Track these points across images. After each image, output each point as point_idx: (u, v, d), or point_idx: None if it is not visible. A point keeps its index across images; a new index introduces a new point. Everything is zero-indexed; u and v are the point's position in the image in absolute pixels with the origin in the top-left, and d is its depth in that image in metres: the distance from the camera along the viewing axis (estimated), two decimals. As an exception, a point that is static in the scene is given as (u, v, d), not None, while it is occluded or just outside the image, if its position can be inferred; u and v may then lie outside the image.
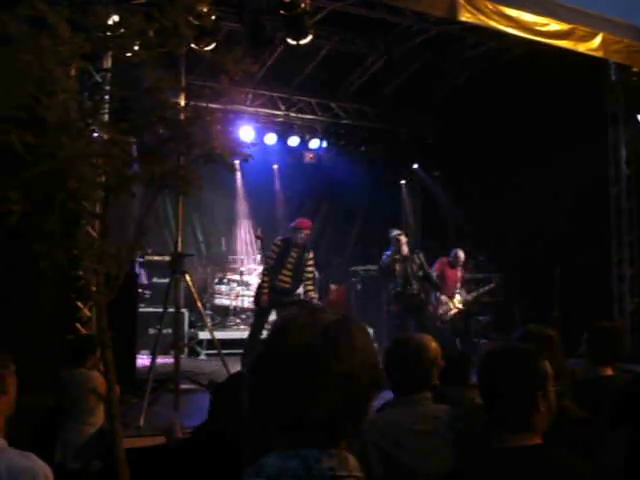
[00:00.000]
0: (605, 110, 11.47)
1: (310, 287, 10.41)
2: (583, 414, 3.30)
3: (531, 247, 12.40)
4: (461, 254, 12.10)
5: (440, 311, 12.06)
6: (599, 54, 10.30)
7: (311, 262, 10.35)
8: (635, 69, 10.94)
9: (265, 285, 10.07)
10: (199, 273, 14.10)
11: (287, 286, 10.20)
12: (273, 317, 10.42)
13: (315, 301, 10.40)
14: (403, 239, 11.06)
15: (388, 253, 11.15)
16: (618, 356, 4.48)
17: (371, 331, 13.18)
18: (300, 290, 10.52)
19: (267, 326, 10.17)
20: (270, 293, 9.99)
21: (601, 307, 11.04)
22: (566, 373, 3.40)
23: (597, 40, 10.23)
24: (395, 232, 11.28)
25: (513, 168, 12.62)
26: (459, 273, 12.23)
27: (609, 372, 4.33)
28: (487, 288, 12.25)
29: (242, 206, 15.36)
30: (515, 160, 12.45)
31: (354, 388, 1.57)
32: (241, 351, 10.48)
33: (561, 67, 10.48)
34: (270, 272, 10.15)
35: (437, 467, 3.12)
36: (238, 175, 14.85)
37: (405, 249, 11.02)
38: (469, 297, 12.15)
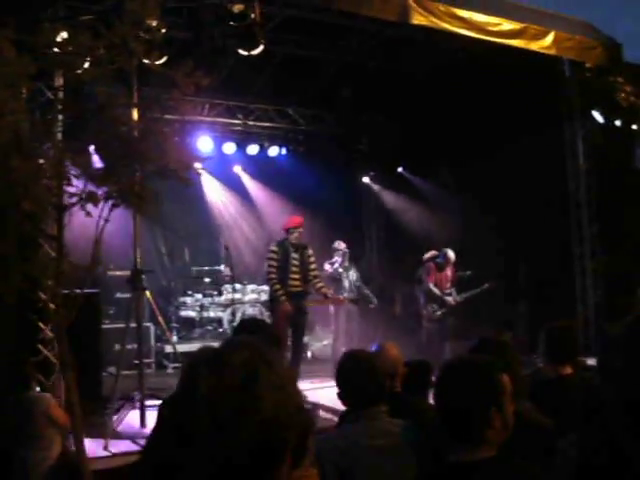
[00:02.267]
0: (561, 106, 11.55)
1: (320, 284, 10.23)
2: (542, 418, 3.31)
3: (495, 244, 12.44)
4: (451, 254, 12.09)
5: (425, 311, 12.07)
6: (552, 52, 10.38)
7: (313, 259, 10.21)
8: (588, 65, 11.03)
9: (280, 293, 9.77)
10: (163, 286, 14.02)
11: (299, 289, 10.00)
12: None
13: (330, 295, 10.38)
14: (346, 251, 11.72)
15: (336, 264, 11.73)
16: (574, 353, 4.51)
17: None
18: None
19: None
20: (288, 298, 9.75)
21: (566, 301, 11.12)
22: (522, 378, 3.40)
23: (549, 38, 10.30)
24: (342, 245, 11.83)
25: (472, 165, 12.68)
26: (449, 273, 12.23)
27: (568, 371, 4.35)
28: (479, 290, 12.19)
29: (205, 217, 15.29)
30: (474, 157, 12.51)
31: (274, 431, 1.53)
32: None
33: (516, 64, 10.54)
34: (279, 280, 9.85)
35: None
36: (201, 186, 14.84)
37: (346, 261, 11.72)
38: (459, 298, 12.13)
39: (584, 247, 11.45)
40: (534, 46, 10.24)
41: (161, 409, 3.72)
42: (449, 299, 11.98)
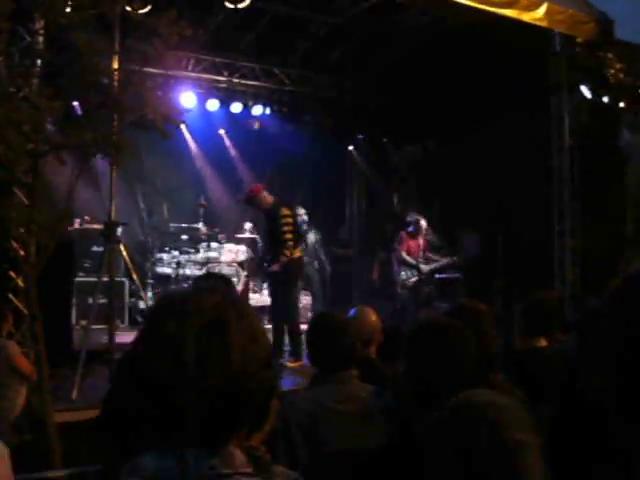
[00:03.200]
0: (549, 80, 11.45)
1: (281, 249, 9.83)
2: (513, 389, 3.25)
3: (475, 215, 12.42)
4: (423, 223, 12.10)
5: (399, 278, 12.08)
6: (543, 24, 10.26)
7: (283, 221, 9.84)
8: (579, 39, 10.93)
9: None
10: (140, 241, 13.91)
11: (268, 254, 10.30)
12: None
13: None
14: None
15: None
16: (552, 327, 4.44)
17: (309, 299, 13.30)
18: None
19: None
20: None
21: (543, 276, 11.10)
22: (495, 349, 3.34)
23: (541, 10, 10.17)
24: (301, 211, 12.12)
25: (456, 136, 12.63)
26: (420, 241, 12.22)
27: (542, 343, 4.30)
28: (446, 262, 12.20)
29: (186, 173, 15.15)
30: (458, 128, 12.46)
31: (241, 383, 1.45)
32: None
33: (505, 37, 10.42)
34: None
35: (359, 447, 3.05)
36: (187, 140, 14.70)
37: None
38: (427, 268, 12.13)
39: (564, 223, 11.40)
40: (526, 17, 10.11)
41: (120, 362, 3.66)
42: (423, 267, 11.99)
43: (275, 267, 9.69)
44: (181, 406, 1.41)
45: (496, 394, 2.13)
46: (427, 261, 12.26)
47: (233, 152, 15.64)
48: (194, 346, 1.41)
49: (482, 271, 12.27)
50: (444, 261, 12.25)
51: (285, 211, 9.89)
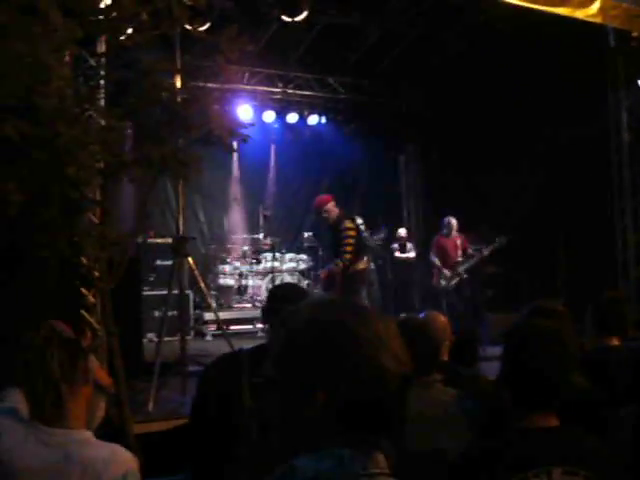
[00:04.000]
0: (605, 76, 11.35)
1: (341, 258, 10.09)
2: (592, 389, 3.27)
3: (533, 217, 12.34)
4: (452, 220, 12.15)
5: (443, 283, 12.10)
6: (598, 20, 10.18)
7: (345, 234, 10.06)
8: (635, 34, 10.82)
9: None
10: (202, 254, 14.09)
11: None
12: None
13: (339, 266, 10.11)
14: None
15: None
16: (623, 325, 4.41)
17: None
18: None
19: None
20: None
21: (605, 275, 10.99)
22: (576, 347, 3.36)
23: (595, 6, 10.09)
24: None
25: (512, 137, 12.57)
26: (458, 241, 12.22)
27: (615, 342, 4.28)
28: (491, 247, 12.08)
29: (240, 185, 15.29)
30: (516, 130, 12.40)
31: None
32: (246, 330, 10.52)
33: (559, 35, 10.38)
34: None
35: (446, 451, 3.09)
36: (240, 154, 14.86)
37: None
38: (461, 270, 12.12)
39: (626, 220, 11.28)
40: (579, 14, 10.05)
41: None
42: (460, 268, 12.01)
43: (323, 274, 9.92)
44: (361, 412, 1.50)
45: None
46: (468, 259, 12.23)
47: (288, 163, 15.73)
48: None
49: (544, 271, 12.18)
50: (478, 256, 12.18)
51: (348, 224, 10.10)
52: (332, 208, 10.26)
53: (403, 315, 4.13)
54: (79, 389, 2.97)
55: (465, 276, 12.06)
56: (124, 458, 2.81)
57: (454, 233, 12.22)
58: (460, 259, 12.12)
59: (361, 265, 10.11)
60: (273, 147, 15.61)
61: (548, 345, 2.53)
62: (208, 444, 3.44)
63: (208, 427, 3.46)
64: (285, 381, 1.58)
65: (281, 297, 3.86)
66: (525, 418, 2.49)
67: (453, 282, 12.06)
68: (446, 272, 12.12)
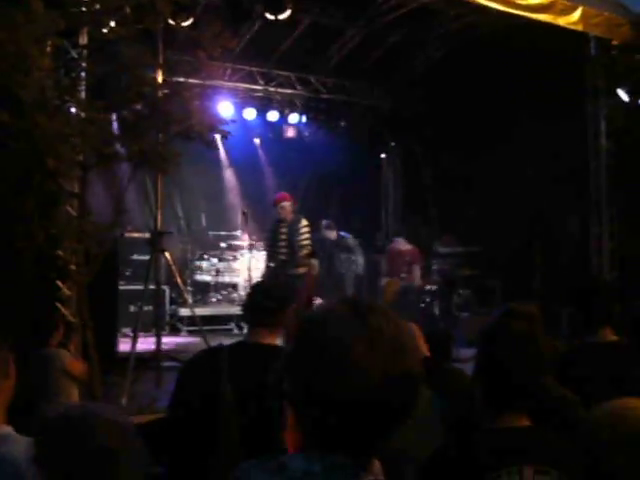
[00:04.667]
0: (585, 84, 11.41)
1: (301, 256, 10.46)
2: (566, 391, 3.29)
3: (511, 220, 12.40)
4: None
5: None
6: (579, 28, 10.25)
7: (302, 231, 10.46)
8: (615, 42, 10.90)
9: (270, 262, 10.64)
10: (179, 249, 14.04)
11: (283, 257, 10.40)
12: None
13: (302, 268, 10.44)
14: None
15: None
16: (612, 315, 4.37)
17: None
18: None
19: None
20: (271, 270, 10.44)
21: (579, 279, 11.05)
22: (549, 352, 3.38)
23: (577, 13, 10.16)
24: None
25: (492, 142, 12.62)
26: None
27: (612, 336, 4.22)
28: None
29: (223, 181, 15.28)
30: (494, 134, 12.45)
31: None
32: (221, 327, 10.56)
33: (540, 41, 10.45)
34: (270, 251, 10.78)
35: (419, 452, 3.10)
36: (219, 150, 14.82)
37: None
38: None
39: (602, 226, 11.35)
40: (561, 21, 10.11)
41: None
42: None
43: (301, 270, 10.25)
44: (346, 418, 1.49)
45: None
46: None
47: (269, 160, 15.74)
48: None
49: (519, 275, 12.25)
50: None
51: (305, 222, 10.53)
52: (290, 206, 10.54)
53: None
54: None
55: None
56: None
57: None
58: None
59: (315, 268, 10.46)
60: (253, 144, 15.59)
61: (519, 346, 2.55)
62: (186, 439, 3.44)
63: (187, 422, 3.46)
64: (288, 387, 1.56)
65: (263, 293, 3.86)
66: (496, 418, 2.50)
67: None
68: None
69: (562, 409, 3.09)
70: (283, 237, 10.42)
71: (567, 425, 2.80)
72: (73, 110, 5.71)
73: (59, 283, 8.05)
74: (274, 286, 4.03)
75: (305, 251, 10.43)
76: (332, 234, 12.91)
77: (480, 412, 2.57)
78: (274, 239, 10.54)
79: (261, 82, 13.51)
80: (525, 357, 2.53)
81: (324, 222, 13.14)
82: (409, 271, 12.92)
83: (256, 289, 4.04)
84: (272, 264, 10.54)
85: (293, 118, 14.49)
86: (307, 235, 10.54)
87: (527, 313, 3.40)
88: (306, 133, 15.13)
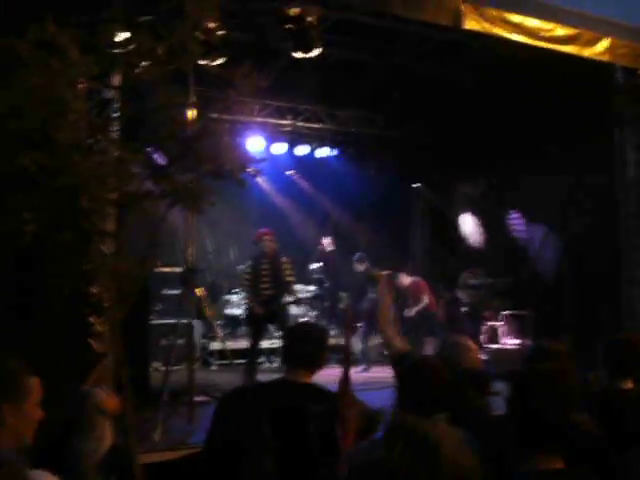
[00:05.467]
0: (611, 113, 11.41)
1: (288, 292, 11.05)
2: (599, 429, 3.29)
3: (540, 253, 12.39)
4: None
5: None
6: (605, 58, 10.27)
7: (286, 266, 10.90)
8: (641, 72, 10.91)
9: (252, 299, 10.80)
10: (208, 283, 14.12)
11: (269, 292, 10.67)
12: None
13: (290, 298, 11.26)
14: None
15: None
16: (636, 368, 4.38)
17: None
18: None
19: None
20: (259, 305, 10.60)
21: (612, 312, 10.98)
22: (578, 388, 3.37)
23: (603, 44, 10.20)
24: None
25: (520, 171, 12.67)
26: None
27: (629, 385, 4.26)
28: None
29: (251, 216, 15.35)
30: (522, 166, 12.49)
31: None
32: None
33: (567, 71, 10.49)
34: (252, 287, 10.82)
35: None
36: (253, 182, 14.92)
37: None
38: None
39: (633, 256, 11.27)
40: (587, 52, 10.15)
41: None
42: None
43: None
44: None
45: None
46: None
47: (299, 194, 15.82)
48: None
49: (551, 307, 12.20)
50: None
51: (286, 259, 10.97)
52: (273, 241, 10.97)
53: (415, 357, 4.11)
54: None
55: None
56: None
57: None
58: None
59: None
60: (283, 179, 15.69)
61: (549, 386, 2.57)
62: (223, 472, 3.48)
63: (223, 456, 3.51)
64: None
65: (301, 338, 3.95)
66: (530, 460, 2.51)
67: None
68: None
69: (598, 451, 3.08)
70: (265, 272, 10.71)
71: (603, 467, 2.81)
72: (107, 150, 5.79)
73: (92, 319, 8.16)
74: (311, 330, 4.11)
75: (291, 286, 11.08)
76: (363, 267, 12.94)
77: (513, 454, 2.58)
78: (256, 275, 10.73)
79: (289, 117, 13.63)
80: (556, 397, 2.55)
81: (356, 255, 13.18)
82: (414, 304, 12.97)
83: (294, 334, 4.11)
84: (258, 300, 10.65)
85: (322, 152, 14.59)
86: (291, 271, 10.97)
87: (556, 351, 3.43)
88: (336, 166, 15.18)
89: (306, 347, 3.85)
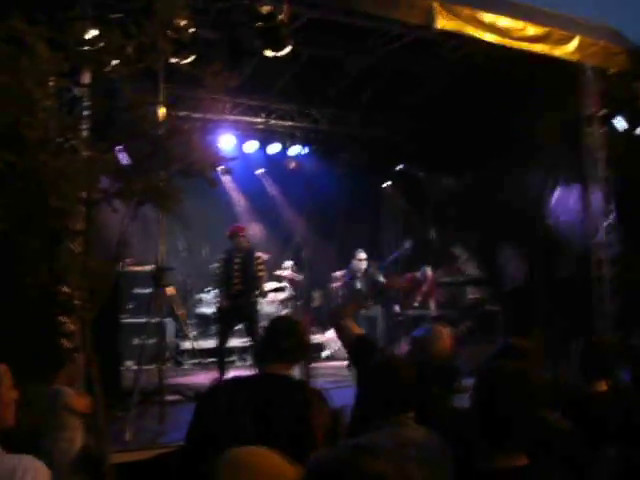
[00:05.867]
0: (582, 113, 11.48)
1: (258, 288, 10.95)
2: (571, 428, 3.30)
3: (511, 246, 12.46)
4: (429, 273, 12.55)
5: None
6: (575, 57, 10.34)
7: (259, 261, 10.96)
8: (612, 71, 10.99)
9: (221, 294, 10.89)
10: (180, 282, 14.07)
11: (238, 287, 10.67)
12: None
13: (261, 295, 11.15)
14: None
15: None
16: (609, 369, 4.41)
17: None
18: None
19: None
20: (227, 299, 10.65)
21: (583, 309, 11.04)
22: (546, 388, 3.39)
23: (573, 43, 10.26)
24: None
25: (492, 167, 12.73)
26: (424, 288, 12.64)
27: (603, 387, 4.28)
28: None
29: (224, 215, 15.30)
30: (493, 163, 12.56)
31: None
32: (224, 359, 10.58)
33: (539, 70, 10.55)
34: (222, 282, 10.85)
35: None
36: (225, 180, 14.91)
37: None
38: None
39: (602, 254, 11.34)
40: (557, 52, 10.21)
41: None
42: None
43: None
44: None
45: None
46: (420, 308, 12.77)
47: (271, 192, 15.82)
48: None
49: (521, 303, 12.26)
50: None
51: (259, 254, 11.07)
52: (247, 237, 11.11)
53: (382, 356, 4.10)
54: None
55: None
56: (33, 466, 2.88)
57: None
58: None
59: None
60: (254, 176, 15.68)
61: (514, 387, 2.58)
62: (201, 468, 3.47)
63: (203, 451, 3.50)
64: None
65: (282, 333, 3.97)
66: (493, 457, 2.53)
67: None
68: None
69: (561, 443, 3.10)
70: (237, 267, 10.73)
71: (565, 460, 2.83)
72: (77, 149, 5.76)
73: (63, 318, 8.10)
74: (292, 324, 4.12)
75: (262, 282, 11.01)
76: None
77: (477, 451, 2.59)
78: (228, 269, 10.74)
79: (262, 115, 13.61)
80: (518, 395, 2.56)
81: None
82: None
83: (274, 329, 4.11)
84: (227, 294, 10.71)
85: (294, 150, 14.56)
86: (263, 266, 11.01)
87: (524, 349, 3.45)
88: (307, 164, 15.15)
89: (288, 341, 3.87)
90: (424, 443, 3.33)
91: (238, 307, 10.56)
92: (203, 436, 3.61)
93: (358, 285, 12.74)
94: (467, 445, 2.72)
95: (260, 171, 15.70)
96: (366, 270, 12.84)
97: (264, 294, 11.23)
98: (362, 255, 12.97)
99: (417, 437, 3.37)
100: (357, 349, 4.48)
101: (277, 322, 4.34)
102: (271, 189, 15.87)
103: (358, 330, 4.67)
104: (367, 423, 3.51)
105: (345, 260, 13.84)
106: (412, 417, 3.48)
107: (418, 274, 12.57)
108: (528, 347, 3.61)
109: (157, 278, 7.97)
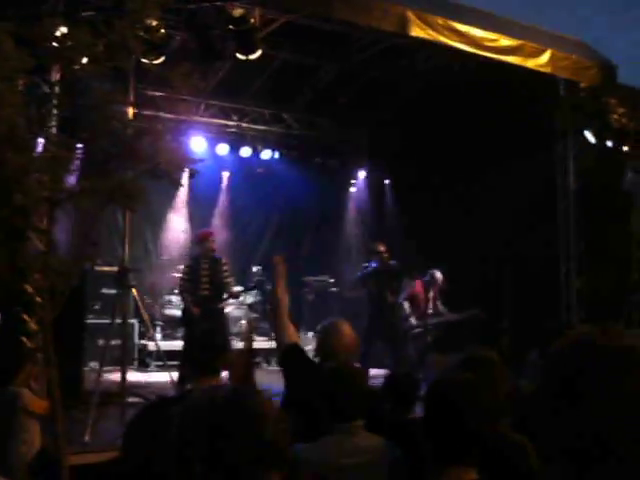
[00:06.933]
0: (554, 125, 11.57)
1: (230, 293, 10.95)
2: (520, 437, 3.29)
3: (480, 258, 12.46)
4: (438, 275, 12.28)
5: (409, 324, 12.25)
6: (547, 70, 10.43)
7: (226, 267, 10.83)
8: (583, 85, 11.09)
9: (189, 300, 10.56)
10: (149, 283, 13.98)
11: (206, 293, 10.58)
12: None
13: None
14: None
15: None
16: None
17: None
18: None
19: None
20: (195, 305, 10.45)
21: (550, 317, 11.10)
22: (503, 397, 3.38)
23: (545, 56, 10.35)
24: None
25: (462, 178, 12.74)
26: (431, 293, 12.39)
27: None
28: (453, 318, 12.27)
29: (193, 216, 15.22)
30: (464, 171, 12.57)
31: None
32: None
33: (510, 82, 10.61)
34: (188, 287, 10.66)
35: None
36: (195, 182, 14.80)
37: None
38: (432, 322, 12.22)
39: (570, 265, 11.46)
40: (530, 63, 10.30)
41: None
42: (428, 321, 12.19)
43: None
44: None
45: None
46: (435, 315, 12.37)
47: (240, 196, 15.74)
48: None
49: (488, 312, 12.28)
50: (450, 317, 12.31)
51: (225, 259, 10.99)
52: (215, 241, 11.00)
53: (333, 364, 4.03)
54: None
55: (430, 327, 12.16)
56: None
57: (434, 286, 12.40)
58: (429, 310, 12.26)
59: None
60: (224, 180, 15.61)
61: (464, 399, 2.56)
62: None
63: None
64: None
65: (200, 346, 3.98)
66: (443, 472, 2.50)
67: (417, 330, 12.17)
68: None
69: (513, 457, 3.08)
70: (205, 273, 10.64)
71: (518, 473, 2.81)
72: (42, 146, 5.70)
73: (25, 317, 8.01)
74: (210, 336, 4.10)
75: (230, 286, 10.90)
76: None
77: (429, 466, 2.57)
78: (195, 275, 10.65)
79: (234, 118, 13.58)
80: (470, 408, 2.54)
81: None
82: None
83: (192, 343, 4.13)
84: (194, 300, 10.57)
85: (266, 154, 14.51)
86: (229, 272, 10.90)
87: (485, 359, 3.44)
88: (277, 169, 15.11)
89: (207, 355, 3.88)
90: (372, 452, 3.32)
91: (206, 312, 10.45)
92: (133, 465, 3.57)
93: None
94: (420, 458, 2.71)
95: (227, 174, 15.59)
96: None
97: (236, 295, 11.11)
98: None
99: (366, 445, 3.36)
100: (286, 354, 4.45)
101: (200, 337, 4.36)
102: (240, 193, 15.74)
103: (295, 337, 4.62)
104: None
105: (315, 265, 13.83)
106: (361, 425, 3.46)
107: (426, 278, 12.35)
108: (491, 357, 3.58)
109: (121, 279, 7.90)
